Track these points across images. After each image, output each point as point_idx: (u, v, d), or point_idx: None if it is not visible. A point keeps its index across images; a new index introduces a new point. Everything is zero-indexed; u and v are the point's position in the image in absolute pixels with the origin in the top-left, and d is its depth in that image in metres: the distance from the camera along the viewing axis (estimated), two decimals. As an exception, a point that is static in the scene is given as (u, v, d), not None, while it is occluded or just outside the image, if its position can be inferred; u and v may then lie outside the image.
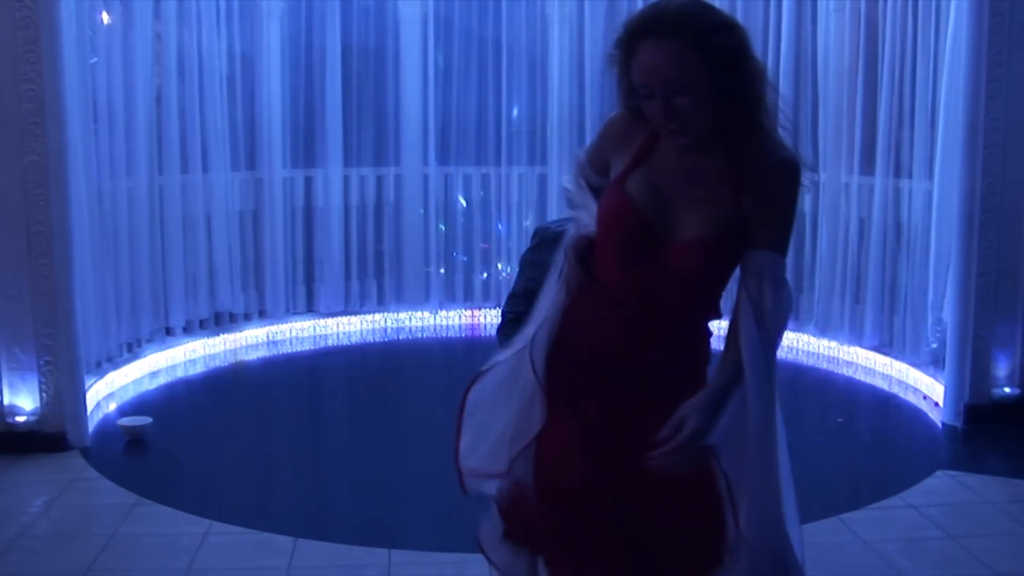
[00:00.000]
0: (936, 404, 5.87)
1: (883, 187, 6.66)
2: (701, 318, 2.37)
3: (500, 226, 8.21)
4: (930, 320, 6.23)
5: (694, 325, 2.37)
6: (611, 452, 2.31)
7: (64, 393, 5.17)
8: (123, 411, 5.88)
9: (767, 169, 2.19)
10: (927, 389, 6.11)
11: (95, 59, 6.18)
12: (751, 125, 2.18)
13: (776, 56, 7.21)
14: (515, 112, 8.14)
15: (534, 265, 3.17)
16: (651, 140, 2.28)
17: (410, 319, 8.03)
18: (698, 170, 2.23)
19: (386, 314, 8.03)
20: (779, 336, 2.22)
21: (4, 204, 5.05)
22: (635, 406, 2.32)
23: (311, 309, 7.95)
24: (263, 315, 7.70)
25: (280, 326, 7.68)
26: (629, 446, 2.25)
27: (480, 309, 8.08)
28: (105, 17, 6.32)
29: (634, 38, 2.16)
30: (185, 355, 6.99)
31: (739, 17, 7.32)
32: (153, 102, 6.77)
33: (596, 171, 2.42)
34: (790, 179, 2.21)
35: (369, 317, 8.00)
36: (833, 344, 7.01)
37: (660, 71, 2.11)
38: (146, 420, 5.53)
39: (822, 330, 7.10)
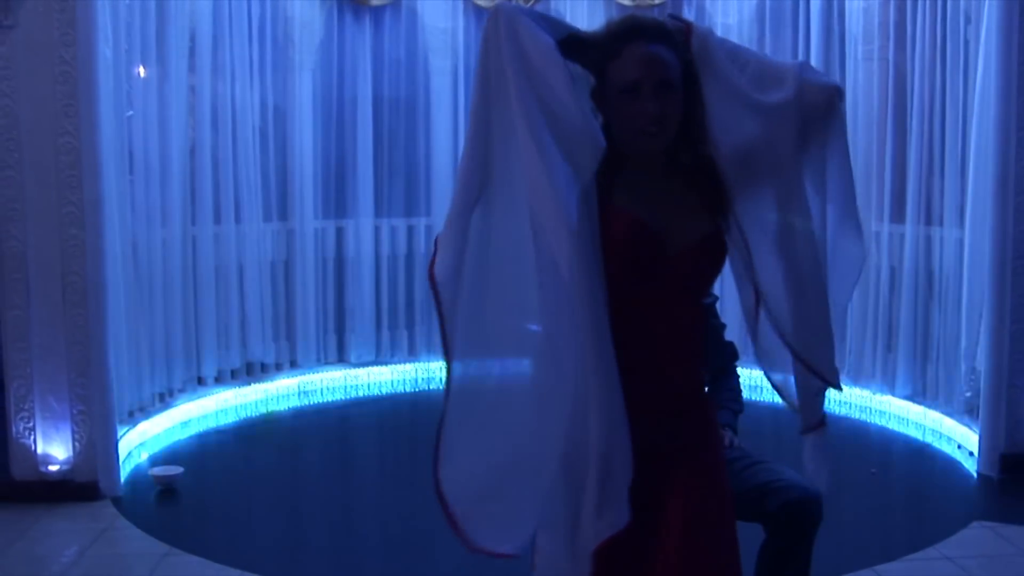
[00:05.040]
0: (971, 454, 5.81)
1: (914, 235, 6.64)
2: (701, 326, 2.43)
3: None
4: (963, 369, 6.18)
5: (698, 333, 2.40)
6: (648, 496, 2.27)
7: (97, 442, 5.21)
8: (155, 460, 5.90)
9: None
10: (961, 439, 6.04)
11: (131, 112, 6.26)
12: (695, 144, 2.28)
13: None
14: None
15: None
16: (611, 159, 2.26)
17: (441, 369, 8.01)
18: (669, 188, 2.30)
19: (417, 364, 8.03)
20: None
21: (41, 254, 5.12)
22: (672, 439, 2.32)
23: (342, 359, 7.97)
24: (294, 365, 7.72)
25: (311, 376, 7.70)
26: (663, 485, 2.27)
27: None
28: (141, 71, 6.42)
29: (620, 40, 2.22)
30: (216, 405, 7.02)
31: (767, 66, 7.46)
32: (187, 154, 6.85)
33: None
34: None
35: (400, 367, 8.00)
36: (865, 393, 6.95)
37: (658, 68, 2.19)
38: (178, 470, 5.55)
39: (854, 379, 7.05)
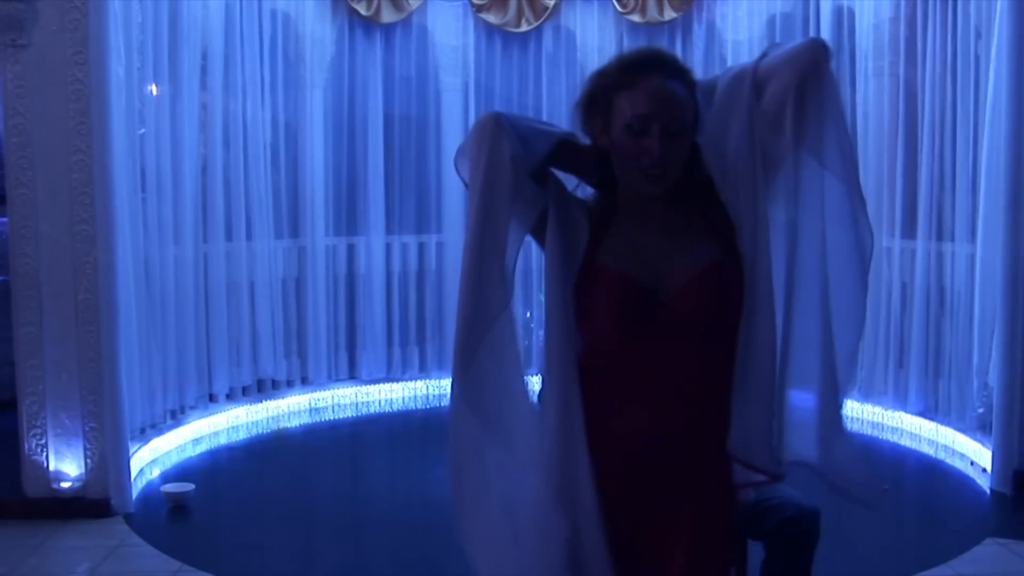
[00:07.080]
0: (984, 470, 5.78)
1: (925, 251, 6.63)
2: (722, 387, 2.15)
3: (542, 296, 8.22)
4: (976, 385, 6.15)
5: (718, 394, 2.15)
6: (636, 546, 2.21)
7: (108, 459, 5.22)
8: (166, 477, 5.91)
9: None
10: (974, 455, 6.02)
11: (143, 130, 6.29)
12: (701, 183, 2.15)
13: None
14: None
15: None
16: (601, 217, 2.21)
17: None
18: (670, 220, 2.18)
19: (428, 381, 8.04)
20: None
21: (53, 272, 5.14)
22: (667, 497, 2.20)
23: (353, 376, 7.98)
24: (305, 382, 7.73)
25: (322, 393, 7.71)
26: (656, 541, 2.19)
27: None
28: (153, 89, 6.45)
29: (633, 72, 2.11)
30: (228, 422, 7.02)
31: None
32: (199, 171, 6.88)
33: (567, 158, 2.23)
34: None
35: (411, 384, 8.01)
36: (877, 410, 6.93)
37: (671, 105, 2.06)
38: (189, 487, 5.55)
39: (866, 396, 7.03)
